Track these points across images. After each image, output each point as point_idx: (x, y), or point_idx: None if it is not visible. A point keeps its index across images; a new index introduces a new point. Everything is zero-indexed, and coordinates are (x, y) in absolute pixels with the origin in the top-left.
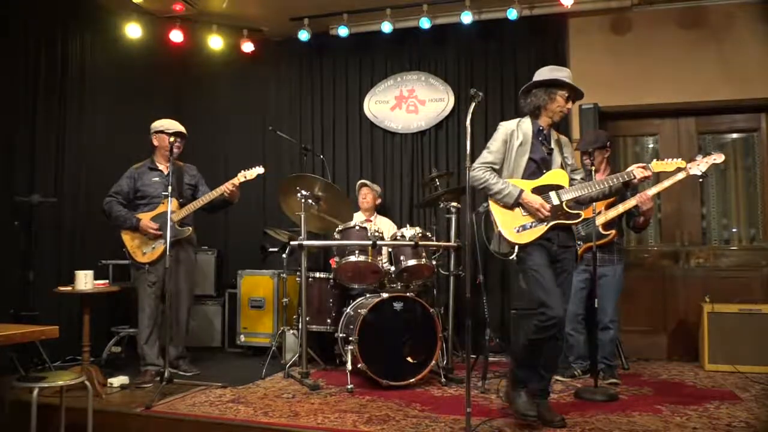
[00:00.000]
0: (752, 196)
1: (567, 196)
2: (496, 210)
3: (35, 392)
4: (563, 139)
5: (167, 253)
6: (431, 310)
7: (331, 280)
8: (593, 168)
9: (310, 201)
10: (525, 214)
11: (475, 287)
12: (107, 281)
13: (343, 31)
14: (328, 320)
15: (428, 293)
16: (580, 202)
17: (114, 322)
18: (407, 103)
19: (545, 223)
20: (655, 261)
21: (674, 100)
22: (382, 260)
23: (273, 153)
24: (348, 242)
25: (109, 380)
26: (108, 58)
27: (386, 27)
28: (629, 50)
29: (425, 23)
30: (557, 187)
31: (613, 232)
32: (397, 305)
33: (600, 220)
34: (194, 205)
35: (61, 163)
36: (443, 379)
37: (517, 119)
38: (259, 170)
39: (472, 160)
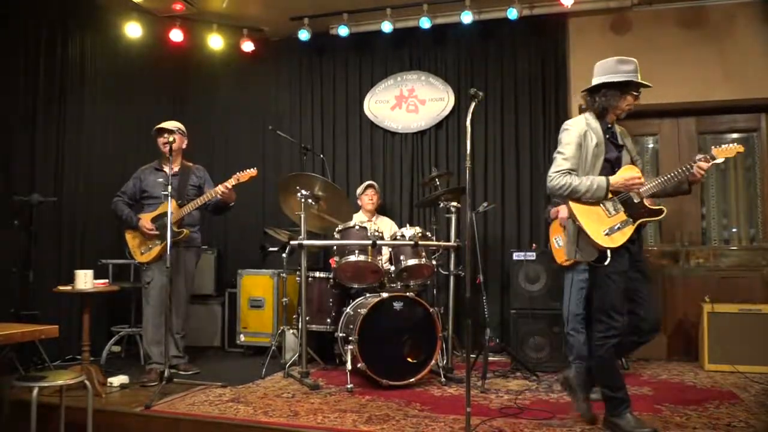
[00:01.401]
0: (752, 197)
1: (647, 191)
2: (580, 215)
3: (35, 391)
4: (624, 131)
5: (168, 253)
6: (431, 309)
7: (331, 280)
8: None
9: (309, 200)
10: (611, 215)
11: (475, 287)
12: (107, 281)
13: (343, 31)
14: (328, 320)
15: (428, 293)
16: (656, 197)
17: (114, 321)
18: (407, 103)
19: (632, 223)
20: (655, 261)
21: (674, 100)
22: (381, 260)
23: (273, 152)
24: (348, 242)
25: (109, 379)
26: (108, 58)
27: (386, 27)
28: (629, 50)
29: (425, 23)
30: None
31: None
32: (397, 305)
33: None
34: (189, 206)
35: (60, 162)
36: (443, 379)
37: (583, 117)
38: (252, 172)
39: (473, 160)
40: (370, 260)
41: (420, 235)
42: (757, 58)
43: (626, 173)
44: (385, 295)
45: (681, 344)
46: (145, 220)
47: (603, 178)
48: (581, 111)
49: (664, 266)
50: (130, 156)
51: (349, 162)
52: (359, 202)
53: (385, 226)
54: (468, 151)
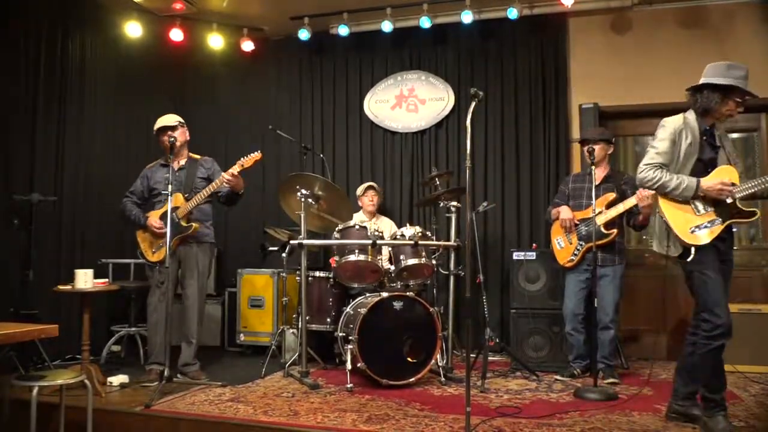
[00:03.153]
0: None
1: (741, 192)
2: (667, 211)
3: (35, 391)
4: (724, 133)
5: (167, 251)
6: (431, 309)
7: (331, 280)
8: (593, 160)
9: (310, 200)
10: (699, 213)
11: (475, 286)
12: (107, 280)
13: (343, 30)
14: (328, 319)
15: (428, 292)
16: (756, 197)
17: (114, 321)
18: (407, 103)
19: (721, 222)
20: (655, 261)
21: (674, 99)
22: (381, 259)
23: (273, 152)
24: (348, 241)
25: (109, 379)
26: (108, 57)
27: (386, 26)
28: (629, 50)
29: (425, 22)
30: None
31: (615, 231)
32: (397, 304)
33: (601, 220)
34: (196, 199)
35: (60, 162)
36: (443, 379)
37: (682, 116)
38: (257, 155)
39: (473, 160)
40: (370, 260)
41: (420, 234)
42: (758, 58)
43: (718, 178)
44: (385, 294)
45: (681, 344)
46: (153, 218)
47: (694, 180)
48: (581, 110)
49: (665, 266)
50: (131, 155)
51: (349, 162)
52: (359, 202)
53: (385, 225)
54: (468, 151)
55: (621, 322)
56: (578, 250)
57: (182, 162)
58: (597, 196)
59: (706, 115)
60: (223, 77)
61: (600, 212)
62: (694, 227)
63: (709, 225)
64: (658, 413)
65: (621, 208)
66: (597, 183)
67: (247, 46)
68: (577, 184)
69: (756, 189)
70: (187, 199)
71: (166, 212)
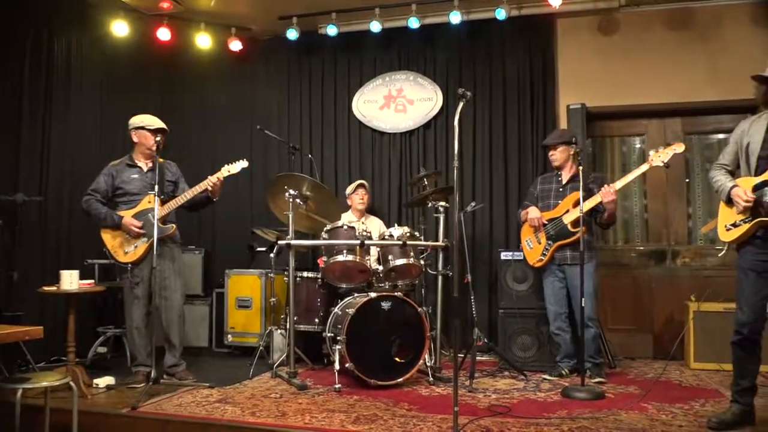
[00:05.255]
0: None
1: None
2: (721, 206)
3: (19, 393)
4: None
5: (154, 252)
6: (419, 309)
7: (319, 280)
8: (557, 163)
9: (298, 200)
10: (739, 212)
11: (463, 286)
12: (93, 281)
13: (331, 30)
14: (316, 320)
15: (416, 293)
16: None
17: (100, 322)
18: (396, 103)
19: (749, 221)
20: (641, 260)
21: (661, 100)
22: (370, 260)
23: (261, 152)
24: (336, 242)
25: (95, 381)
26: (94, 57)
27: (375, 26)
28: (617, 51)
29: (414, 23)
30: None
31: (583, 229)
32: (385, 305)
33: (568, 218)
34: (176, 201)
35: (46, 162)
36: (431, 379)
37: (755, 116)
38: (243, 164)
39: (461, 160)
40: (358, 260)
41: (408, 234)
42: (744, 59)
43: (739, 192)
44: (373, 294)
45: (667, 343)
46: (130, 217)
47: (729, 185)
48: (568, 111)
49: (651, 265)
50: (117, 155)
51: (338, 162)
52: (349, 201)
53: (374, 225)
54: (456, 151)
55: (608, 321)
56: (547, 249)
57: (150, 164)
58: (564, 196)
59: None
60: (210, 77)
61: (567, 211)
62: (731, 224)
63: (740, 223)
64: (645, 411)
65: (587, 205)
66: (564, 183)
67: (235, 45)
68: (545, 185)
69: None
70: (163, 201)
71: (139, 212)
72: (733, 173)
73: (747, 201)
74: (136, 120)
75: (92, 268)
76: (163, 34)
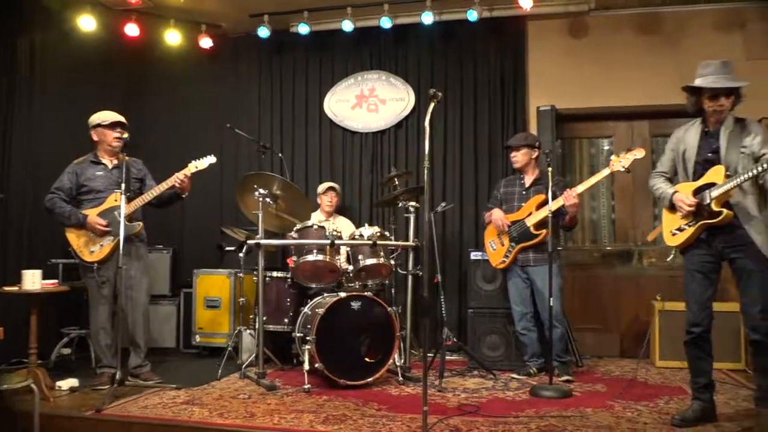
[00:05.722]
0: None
1: (715, 193)
2: (665, 212)
3: None
4: (750, 128)
5: (120, 251)
6: (389, 309)
7: (289, 280)
8: (518, 165)
9: (268, 200)
10: (682, 217)
11: (433, 286)
12: (56, 281)
13: (303, 29)
14: (286, 320)
15: (386, 292)
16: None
17: (64, 323)
18: (368, 102)
19: (693, 225)
20: (608, 260)
21: (629, 103)
22: (340, 259)
23: (231, 151)
24: (306, 241)
25: (58, 383)
26: (60, 52)
27: (347, 25)
28: (586, 54)
29: (386, 23)
30: (712, 185)
31: (544, 231)
32: (355, 304)
33: (531, 221)
34: (142, 198)
35: (8, 159)
36: (400, 378)
37: (688, 124)
38: (211, 159)
39: (431, 160)
40: (328, 260)
41: (378, 234)
42: None
43: (680, 197)
44: (343, 294)
45: (634, 342)
46: (95, 216)
47: (670, 192)
48: (538, 112)
49: (618, 266)
50: (82, 153)
51: (309, 161)
52: (318, 201)
53: (344, 225)
54: (427, 151)
55: (576, 321)
56: (510, 251)
57: (115, 161)
58: (527, 199)
59: (702, 116)
60: (180, 74)
61: (530, 214)
62: (676, 229)
63: (685, 227)
64: (611, 409)
65: (550, 208)
66: (527, 186)
67: (205, 42)
68: (508, 188)
69: (728, 188)
70: (129, 199)
71: (105, 211)
72: (672, 179)
73: (690, 205)
74: (93, 118)
75: (56, 268)
76: (132, 29)
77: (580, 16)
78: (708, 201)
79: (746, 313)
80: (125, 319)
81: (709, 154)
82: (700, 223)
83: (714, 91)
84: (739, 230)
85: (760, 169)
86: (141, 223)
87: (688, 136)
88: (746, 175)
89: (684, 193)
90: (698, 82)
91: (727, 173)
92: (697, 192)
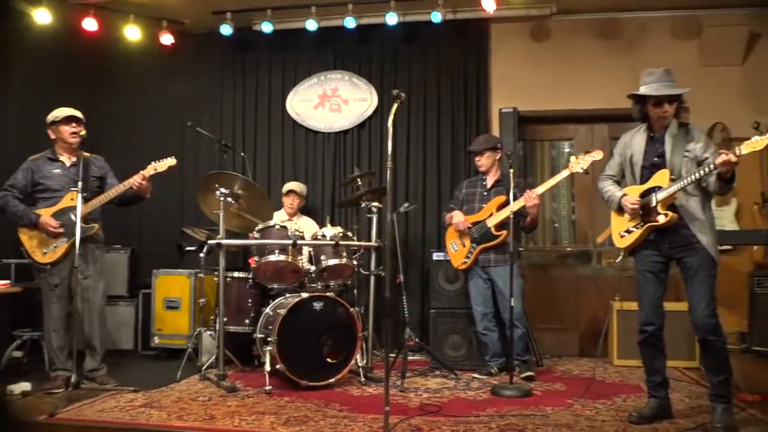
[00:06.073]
0: None
1: (660, 196)
2: (613, 214)
3: None
4: (693, 134)
5: (76, 252)
6: (351, 309)
7: (250, 280)
8: (483, 168)
9: (229, 199)
10: (630, 219)
11: (395, 287)
12: (8, 282)
13: (266, 27)
14: (247, 321)
15: (349, 293)
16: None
17: (16, 325)
18: (330, 102)
19: (641, 227)
20: (568, 261)
21: (589, 106)
22: (302, 260)
23: (192, 149)
24: (268, 241)
25: (9, 387)
26: (14, 48)
27: (311, 25)
28: (548, 57)
29: (350, 23)
30: (658, 189)
31: (505, 232)
32: (317, 305)
33: (492, 222)
34: (100, 199)
35: None
36: (362, 379)
37: (635, 129)
38: (171, 161)
39: (394, 161)
40: (290, 260)
41: (341, 234)
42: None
43: (628, 199)
44: (305, 295)
45: (592, 341)
46: (47, 216)
47: (618, 195)
48: (501, 114)
49: (577, 266)
50: (38, 151)
51: (271, 160)
52: (282, 200)
53: (306, 225)
54: (389, 152)
55: (536, 321)
56: (471, 252)
57: (73, 159)
58: (488, 200)
59: (648, 122)
60: (140, 71)
61: (491, 215)
62: (624, 231)
63: (633, 229)
64: (570, 408)
65: (511, 209)
66: (489, 187)
67: (167, 39)
68: (470, 189)
69: (673, 191)
70: (86, 199)
71: (60, 210)
72: (620, 183)
73: (633, 204)
74: (49, 117)
75: (8, 268)
76: (90, 24)
77: (542, 20)
78: (654, 204)
79: (692, 311)
80: (81, 321)
81: (655, 159)
82: (647, 225)
83: (658, 99)
84: (684, 231)
85: (701, 173)
86: (97, 225)
87: (634, 141)
88: (689, 179)
89: (628, 197)
90: (643, 90)
91: (672, 177)
92: (644, 195)
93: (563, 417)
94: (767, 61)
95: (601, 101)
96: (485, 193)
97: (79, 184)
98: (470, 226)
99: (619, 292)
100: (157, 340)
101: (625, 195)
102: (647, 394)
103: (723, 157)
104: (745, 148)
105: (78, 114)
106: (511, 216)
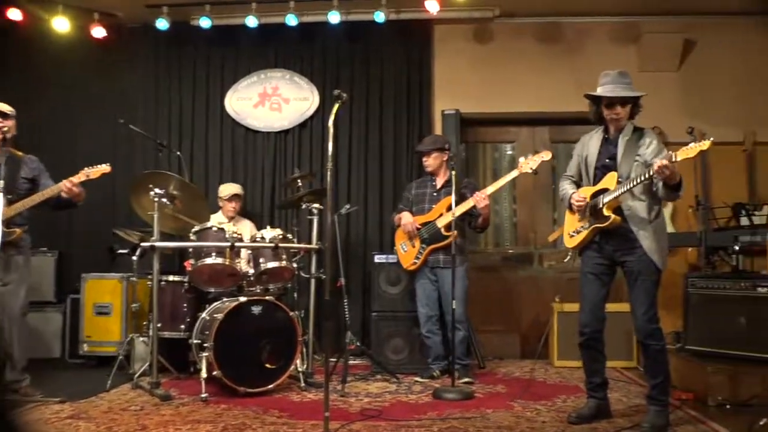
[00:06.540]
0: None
1: (606, 198)
2: (566, 214)
3: None
4: (646, 138)
5: None
6: (291, 313)
7: (186, 284)
8: (430, 169)
9: (164, 200)
10: (579, 219)
11: (336, 290)
12: None
13: (204, 23)
14: (182, 326)
15: (288, 296)
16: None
17: None
18: (271, 101)
19: (587, 228)
20: (510, 263)
21: (531, 109)
22: (240, 263)
23: (125, 148)
24: (204, 244)
25: None
26: None
27: (251, 21)
28: (491, 60)
29: (292, 20)
30: (606, 191)
31: (454, 233)
32: (256, 309)
33: (442, 222)
34: (24, 204)
35: None
36: (303, 384)
37: (594, 131)
38: (105, 168)
39: (335, 162)
40: (227, 263)
41: (280, 237)
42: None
43: (577, 198)
44: (243, 299)
45: (534, 343)
46: None
47: (570, 193)
48: (443, 116)
49: (518, 268)
50: None
51: (209, 160)
52: (220, 203)
53: (245, 227)
54: (330, 153)
55: (478, 323)
56: (420, 253)
57: (1, 158)
58: (438, 201)
59: (604, 123)
60: (70, 65)
61: (440, 216)
62: (574, 231)
63: (580, 230)
64: (511, 409)
65: (460, 209)
66: (438, 188)
67: (98, 32)
68: (419, 190)
69: (618, 194)
70: (10, 201)
71: None
72: (578, 184)
73: (579, 201)
74: None
75: None
76: (14, 14)
77: (485, 23)
78: (600, 206)
79: (633, 315)
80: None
81: (607, 160)
82: (593, 226)
83: (610, 100)
84: (630, 234)
85: (641, 178)
86: (19, 230)
87: (591, 142)
88: (633, 183)
89: (578, 197)
90: (598, 91)
91: (619, 179)
92: (594, 196)
93: (504, 419)
94: (701, 68)
95: (543, 104)
96: (435, 194)
97: (0, 183)
98: (419, 227)
99: (560, 293)
100: (86, 347)
101: (575, 193)
102: (586, 395)
103: (655, 167)
104: (679, 155)
105: (5, 108)
106: (454, 218)
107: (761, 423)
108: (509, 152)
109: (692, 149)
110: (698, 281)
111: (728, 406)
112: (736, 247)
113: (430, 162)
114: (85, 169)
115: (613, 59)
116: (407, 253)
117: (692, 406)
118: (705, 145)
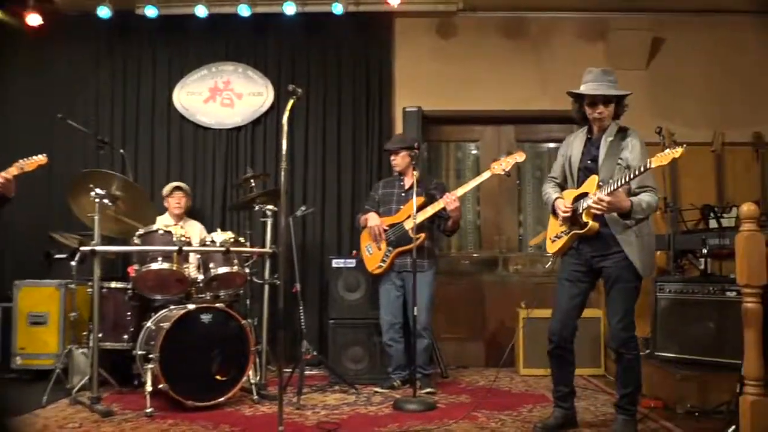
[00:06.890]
0: None
1: (585, 204)
2: (550, 219)
3: None
4: (630, 140)
5: None
6: (243, 321)
7: (130, 291)
8: (398, 168)
9: (105, 201)
10: (561, 224)
11: (291, 296)
12: None
13: (150, 12)
14: (126, 336)
15: (241, 303)
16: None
17: None
18: (222, 96)
19: (567, 234)
20: (474, 267)
21: (496, 107)
22: (189, 268)
23: (63, 145)
24: (150, 248)
25: None
26: None
27: (201, 11)
28: (454, 55)
29: (244, 11)
30: (586, 195)
31: (423, 235)
32: (205, 317)
33: (409, 224)
34: None
35: None
36: (255, 396)
37: (579, 130)
38: (41, 159)
39: (291, 161)
40: (174, 268)
41: (232, 240)
42: (570, 70)
43: (559, 203)
44: (191, 306)
45: (499, 350)
46: None
47: (553, 198)
48: (404, 114)
49: (483, 273)
50: None
51: (155, 158)
52: (165, 204)
53: (194, 230)
54: (284, 151)
55: (442, 330)
56: (387, 255)
57: None
58: (406, 201)
59: (588, 123)
60: (2, 56)
61: (408, 217)
62: (555, 236)
63: (561, 235)
64: (474, 420)
65: (429, 211)
66: (407, 188)
67: (34, 19)
68: (387, 189)
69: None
70: None
71: None
72: (563, 186)
73: (565, 211)
74: None
75: None
76: None
77: (448, 16)
78: (580, 211)
79: (608, 322)
80: None
81: (589, 162)
82: (572, 232)
83: (592, 99)
84: (609, 240)
85: (620, 183)
86: None
87: (575, 143)
88: (611, 188)
89: (563, 200)
90: (581, 88)
91: (600, 183)
92: (576, 200)
93: (468, 430)
94: (670, 67)
95: (508, 102)
96: (403, 194)
97: None
98: (386, 228)
99: (527, 298)
100: (19, 360)
101: (558, 198)
102: (553, 404)
103: (589, 200)
104: (654, 162)
105: None
106: (422, 221)
107: (730, 430)
108: (473, 152)
109: (666, 156)
110: (667, 285)
111: (697, 414)
112: (705, 251)
113: (398, 161)
114: (20, 161)
115: (580, 56)
116: (373, 255)
117: (661, 414)
118: (678, 152)
